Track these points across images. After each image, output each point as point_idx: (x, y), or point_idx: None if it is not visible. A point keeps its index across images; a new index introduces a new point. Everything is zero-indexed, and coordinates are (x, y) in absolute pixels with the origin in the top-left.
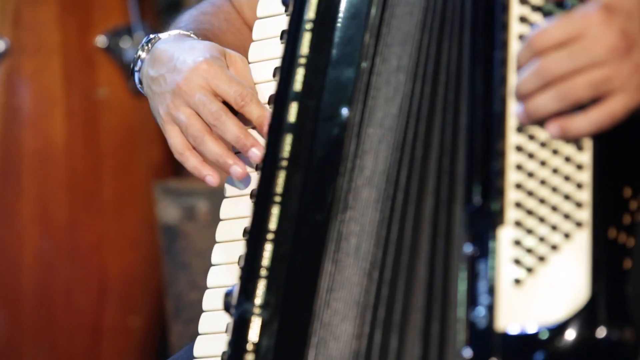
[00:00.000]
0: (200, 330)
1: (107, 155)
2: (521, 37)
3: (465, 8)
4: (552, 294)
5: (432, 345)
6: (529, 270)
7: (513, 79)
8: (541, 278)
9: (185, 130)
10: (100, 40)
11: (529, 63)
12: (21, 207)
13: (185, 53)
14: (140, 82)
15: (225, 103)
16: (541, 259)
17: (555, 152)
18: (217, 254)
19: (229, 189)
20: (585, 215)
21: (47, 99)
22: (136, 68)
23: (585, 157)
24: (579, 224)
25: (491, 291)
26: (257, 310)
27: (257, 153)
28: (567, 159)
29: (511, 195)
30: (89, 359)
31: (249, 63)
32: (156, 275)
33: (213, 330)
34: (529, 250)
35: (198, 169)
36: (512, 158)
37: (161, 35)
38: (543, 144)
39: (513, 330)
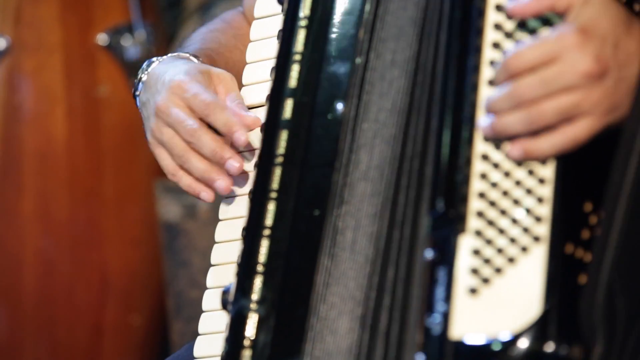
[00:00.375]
0: (200, 330)
1: (108, 153)
2: (495, 44)
3: (443, 8)
4: (506, 306)
5: (391, 347)
6: (485, 280)
7: (484, 89)
8: (497, 289)
9: (170, 151)
10: (101, 38)
11: (503, 84)
12: (22, 204)
13: (166, 75)
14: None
15: None
16: (498, 270)
17: (519, 164)
18: (216, 254)
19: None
20: (543, 230)
21: (48, 97)
22: (137, 92)
23: (548, 171)
24: (536, 239)
25: (447, 299)
26: (253, 306)
27: (235, 165)
28: (530, 172)
29: (474, 204)
30: (90, 356)
31: (247, 63)
32: (157, 273)
33: (213, 330)
34: (487, 261)
35: (192, 187)
36: (478, 166)
37: (160, 58)
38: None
39: (466, 339)
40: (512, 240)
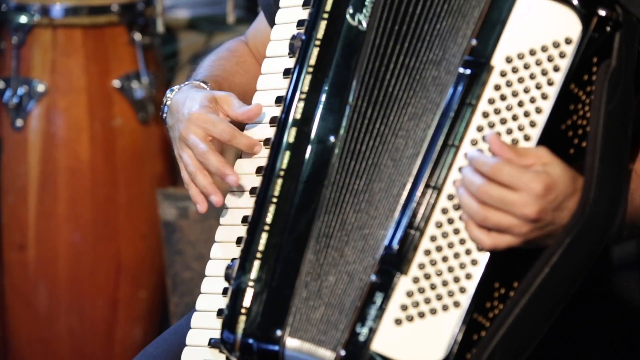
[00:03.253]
0: (197, 307)
1: (121, 169)
2: (474, 142)
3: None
4: (419, 343)
5: (328, 333)
6: (409, 318)
7: (460, 161)
8: (415, 328)
9: (186, 167)
10: (116, 83)
11: (474, 172)
12: (57, 208)
13: (185, 106)
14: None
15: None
16: (421, 314)
17: (462, 241)
18: (214, 251)
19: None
20: (464, 299)
21: (76, 127)
22: (163, 115)
23: (481, 256)
24: (456, 304)
25: (376, 319)
26: (251, 283)
27: (233, 179)
28: (468, 252)
29: (419, 256)
30: (108, 323)
31: (256, 90)
32: (158, 259)
33: (207, 309)
34: (415, 304)
35: (194, 197)
36: (431, 229)
37: (179, 86)
38: (456, 231)
39: (382, 354)
40: (439, 297)
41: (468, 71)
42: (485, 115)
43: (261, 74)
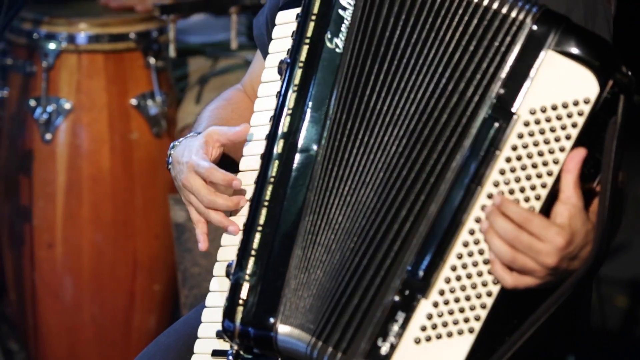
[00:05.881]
0: (206, 304)
1: (137, 177)
2: (496, 184)
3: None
4: None
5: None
6: (428, 338)
7: (483, 199)
8: (432, 348)
9: (197, 209)
10: (133, 101)
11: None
12: (81, 211)
13: (184, 156)
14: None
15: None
16: (438, 336)
17: (479, 273)
18: (221, 254)
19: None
20: (477, 326)
21: (98, 140)
22: (169, 166)
23: (496, 289)
24: (471, 330)
25: (398, 336)
26: (247, 277)
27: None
28: (484, 284)
29: (439, 283)
30: (126, 312)
31: (254, 112)
32: (170, 256)
33: (215, 305)
34: (434, 327)
35: (198, 236)
36: (452, 260)
37: (179, 141)
38: (475, 263)
39: None
40: (455, 322)
41: (496, 118)
42: (508, 160)
43: (257, 97)
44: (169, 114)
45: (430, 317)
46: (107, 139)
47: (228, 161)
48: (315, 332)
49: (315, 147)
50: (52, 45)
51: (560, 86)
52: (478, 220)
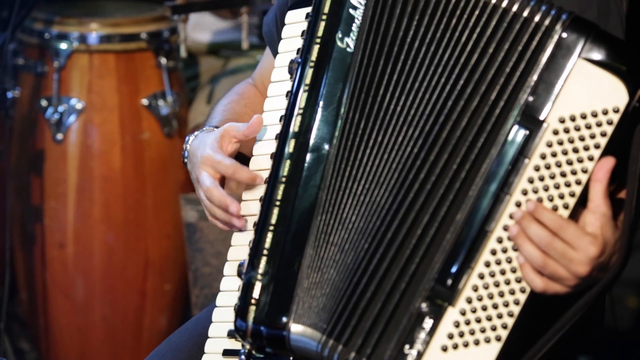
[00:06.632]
0: (217, 304)
1: (148, 177)
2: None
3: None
4: None
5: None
6: (455, 346)
7: (512, 208)
8: (459, 355)
9: (203, 203)
10: (144, 101)
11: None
12: (93, 211)
13: (199, 150)
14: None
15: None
16: (465, 344)
17: (507, 282)
18: (231, 254)
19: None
20: (504, 334)
21: (109, 140)
22: (185, 160)
23: (523, 297)
24: (498, 339)
25: (425, 343)
26: (259, 277)
27: (234, 209)
28: (512, 292)
29: (467, 291)
30: (137, 312)
31: (264, 111)
32: (181, 256)
33: (226, 304)
34: (461, 334)
35: (221, 226)
36: (480, 268)
37: (195, 135)
38: (503, 272)
39: None
40: (482, 330)
41: (525, 126)
42: (537, 168)
43: (267, 97)
44: (180, 114)
45: (457, 324)
46: (118, 139)
47: (239, 157)
48: (327, 332)
49: (326, 146)
50: (63, 45)
51: (589, 95)
52: (506, 229)
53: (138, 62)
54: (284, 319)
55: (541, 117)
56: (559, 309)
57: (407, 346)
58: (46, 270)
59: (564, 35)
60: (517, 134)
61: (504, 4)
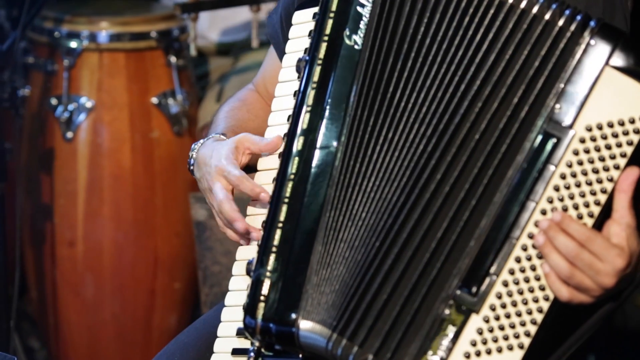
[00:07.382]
0: (226, 303)
1: (158, 175)
2: (550, 201)
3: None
4: None
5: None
6: (477, 353)
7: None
8: None
9: (217, 213)
10: (154, 100)
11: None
12: (102, 209)
13: (213, 159)
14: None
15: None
16: (488, 351)
17: (531, 289)
18: (240, 254)
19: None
20: (527, 342)
21: (119, 139)
22: (190, 167)
23: (547, 305)
24: (521, 346)
25: (448, 350)
26: (268, 274)
27: (239, 225)
28: (535, 300)
29: (491, 298)
30: (146, 311)
31: (272, 111)
32: (191, 255)
33: (235, 304)
34: (484, 342)
35: (233, 237)
36: (505, 275)
37: (201, 142)
38: (527, 279)
39: None
40: (505, 338)
41: (552, 133)
42: (563, 176)
43: (275, 97)
44: (190, 113)
45: (480, 332)
46: (128, 138)
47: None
48: (337, 329)
49: (335, 143)
50: (73, 44)
51: (617, 103)
52: (531, 237)
53: (148, 60)
54: (293, 316)
55: (568, 125)
56: (580, 316)
57: (430, 352)
58: (56, 269)
59: (592, 42)
60: (543, 141)
61: (522, 5)
